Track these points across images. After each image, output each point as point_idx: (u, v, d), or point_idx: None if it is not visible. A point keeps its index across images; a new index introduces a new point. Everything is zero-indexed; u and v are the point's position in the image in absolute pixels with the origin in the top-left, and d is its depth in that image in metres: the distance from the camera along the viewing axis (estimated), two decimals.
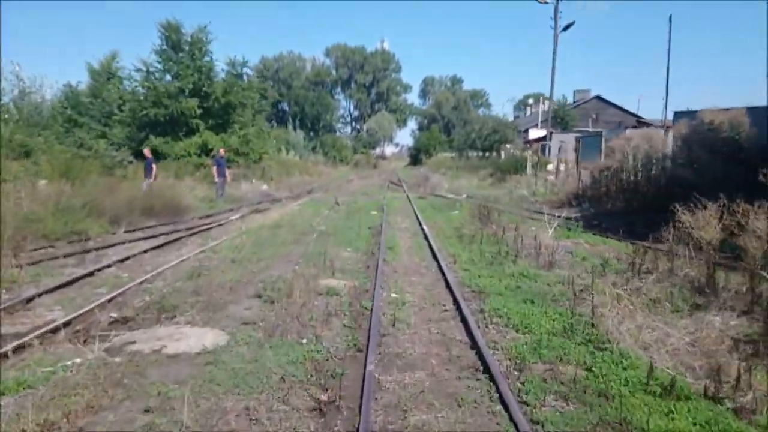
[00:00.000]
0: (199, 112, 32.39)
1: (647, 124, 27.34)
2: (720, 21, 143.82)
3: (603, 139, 21.72)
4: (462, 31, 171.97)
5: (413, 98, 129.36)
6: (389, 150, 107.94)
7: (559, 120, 46.65)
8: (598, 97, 52.19)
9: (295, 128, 56.20)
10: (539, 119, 52.02)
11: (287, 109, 71.88)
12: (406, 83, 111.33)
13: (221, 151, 21.10)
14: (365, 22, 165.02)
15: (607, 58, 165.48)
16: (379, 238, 12.45)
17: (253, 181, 28.31)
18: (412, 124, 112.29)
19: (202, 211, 18.57)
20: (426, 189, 28.45)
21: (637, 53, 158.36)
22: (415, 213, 17.60)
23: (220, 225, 15.23)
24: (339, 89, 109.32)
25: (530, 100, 65.92)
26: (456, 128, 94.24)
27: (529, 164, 30.17)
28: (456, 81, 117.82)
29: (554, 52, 35.17)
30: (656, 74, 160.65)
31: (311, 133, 63.27)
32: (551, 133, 35.58)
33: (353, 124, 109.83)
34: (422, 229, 14.21)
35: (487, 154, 43.04)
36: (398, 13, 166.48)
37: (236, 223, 15.51)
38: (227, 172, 21.30)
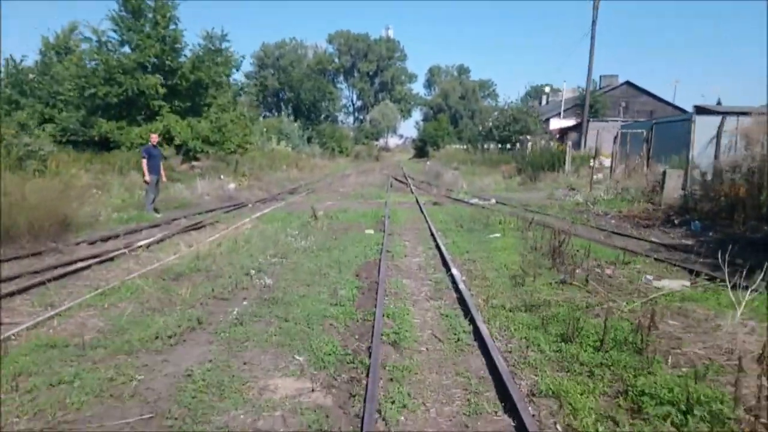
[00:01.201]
0: (162, 91, 25.87)
1: (710, 111, 20.54)
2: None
3: (694, 125, 15.04)
4: (468, 20, 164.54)
5: (418, 88, 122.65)
6: (393, 141, 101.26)
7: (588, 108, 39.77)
8: (628, 83, 45.26)
9: (288, 116, 49.43)
10: (562, 108, 45.29)
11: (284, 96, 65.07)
12: (411, 73, 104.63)
13: (153, 137, 14.45)
14: (370, 9, 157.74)
15: (632, 42, 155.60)
16: (372, 313, 5.92)
17: (222, 177, 21.74)
18: (416, 116, 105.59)
19: (110, 227, 12.04)
20: (440, 190, 21.80)
21: (666, 39, 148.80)
22: (433, 235, 11.03)
23: (103, 261, 8.68)
24: (341, 78, 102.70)
25: (547, 88, 58.98)
26: (464, 119, 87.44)
27: (568, 159, 23.48)
28: (463, 70, 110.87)
29: (594, 23, 28.50)
30: (688, 62, 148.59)
31: (307, 122, 56.54)
32: (589, 121, 28.82)
33: (356, 114, 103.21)
34: (451, 276, 7.67)
35: (508, 146, 36.31)
36: (403, 2, 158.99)
37: (137, 256, 8.97)
38: (163, 168, 14.67)
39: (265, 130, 42.90)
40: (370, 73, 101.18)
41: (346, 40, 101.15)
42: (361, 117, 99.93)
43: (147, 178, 13.92)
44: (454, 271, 7.84)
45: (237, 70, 33.00)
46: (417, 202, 17.87)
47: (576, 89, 49.93)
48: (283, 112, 50.67)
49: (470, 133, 54.79)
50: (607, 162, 23.17)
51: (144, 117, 26.09)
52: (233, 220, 13.16)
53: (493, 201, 17.59)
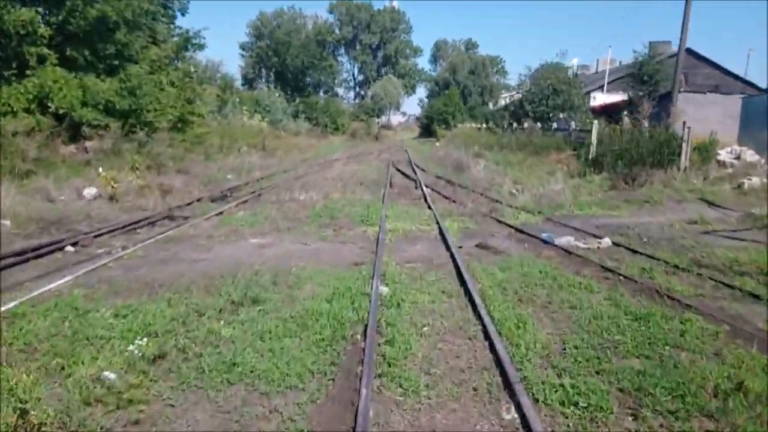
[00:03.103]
0: (45, 32, 16.07)
1: None
2: None
3: None
4: None
5: (423, 64, 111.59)
6: (395, 119, 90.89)
7: (646, 79, 29.67)
8: (689, 51, 34.89)
9: (270, 84, 39.26)
10: (606, 80, 35.16)
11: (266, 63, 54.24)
12: (416, 46, 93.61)
13: None
14: None
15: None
16: None
17: (101, 170, 11.90)
18: (420, 93, 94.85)
19: None
20: (475, 199, 11.94)
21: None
22: None
23: None
24: (342, 50, 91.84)
25: (575, 60, 48.56)
26: (473, 95, 76.77)
27: (686, 150, 13.67)
28: (471, 45, 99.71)
29: None
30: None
31: (295, 94, 46.24)
32: (680, 91, 18.89)
33: (357, 89, 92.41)
34: None
35: (554, 126, 26.32)
36: None
37: None
38: None
39: (237, 100, 32.95)
40: (373, 46, 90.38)
41: (347, 9, 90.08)
42: (363, 92, 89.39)
43: None
44: None
45: (182, 14, 23.00)
46: (442, 235, 8.21)
47: (638, 53, 37.18)
48: (262, 80, 40.46)
49: (485, 110, 44.84)
50: (749, 155, 13.40)
51: (15, 72, 16.22)
52: None
53: (607, 242, 7.87)
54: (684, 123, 13.84)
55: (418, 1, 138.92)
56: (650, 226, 9.30)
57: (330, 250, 7.35)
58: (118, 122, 16.10)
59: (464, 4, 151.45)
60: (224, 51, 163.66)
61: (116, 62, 17.83)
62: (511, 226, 9.07)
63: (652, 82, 29.95)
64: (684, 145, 13.52)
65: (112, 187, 10.56)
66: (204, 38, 22.72)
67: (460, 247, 7.59)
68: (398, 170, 19.44)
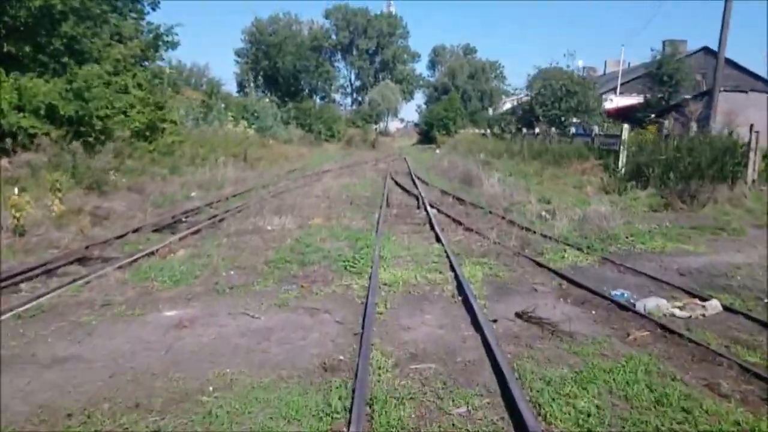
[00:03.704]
0: None
1: None
2: None
3: None
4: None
5: (421, 69, 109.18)
6: (393, 125, 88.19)
7: (666, 79, 27.02)
8: (707, 50, 32.38)
9: (258, 88, 36.56)
10: (619, 81, 32.58)
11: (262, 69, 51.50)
12: (414, 51, 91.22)
13: None
14: None
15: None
16: None
17: (16, 192, 9.10)
18: (419, 98, 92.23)
19: None
20: (500, 228, 9.11)
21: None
22: None
23: None
24: (339, 56, 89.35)
25: (580, 62, 45.87)
26: (473, 100, 74.05)
27: (754, 161, 10.93)
28: (469, 50, 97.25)
29: None
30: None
31: (286, 99, 43.48)
32: (721, 90, 16.20)
33: (354, 95, 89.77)
34: None
35: (572, 131, 23.55)
36: None
37: None
38: None
39: (223, 106, 30.23)
40: (370, 51, 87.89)
41: (344, 14, 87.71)
42: (360, 98, 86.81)
43: None
44: None
45: (153, 9, 20.18)
46: (462, 294, 5.42)
47: (657, 52, 34.82)
48: (251, 85, 37.72)
49: (486, 115, 42.14)
50: None
51: None
52: None
53: (716, 306, 5.09)
54: (751, 127, 11.10)
55: (415, 2, 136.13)
56: (751, 269, 6.54)
57: (287, 332, 4.56)
58: (61, 130, 13.33)
59: (461, 4, 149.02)
60: (224, 58, 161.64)
61: (66, 60, 15.09)
62: (558, 274, 6.29)
63: (672, 82, 27.34)
64: (752, 154, 10.81)
65: (14, 216, 7.76)
66: (177, 35, 19.99)
67: (495, 320, 4.81)
68: (397, 183, 16.68)
